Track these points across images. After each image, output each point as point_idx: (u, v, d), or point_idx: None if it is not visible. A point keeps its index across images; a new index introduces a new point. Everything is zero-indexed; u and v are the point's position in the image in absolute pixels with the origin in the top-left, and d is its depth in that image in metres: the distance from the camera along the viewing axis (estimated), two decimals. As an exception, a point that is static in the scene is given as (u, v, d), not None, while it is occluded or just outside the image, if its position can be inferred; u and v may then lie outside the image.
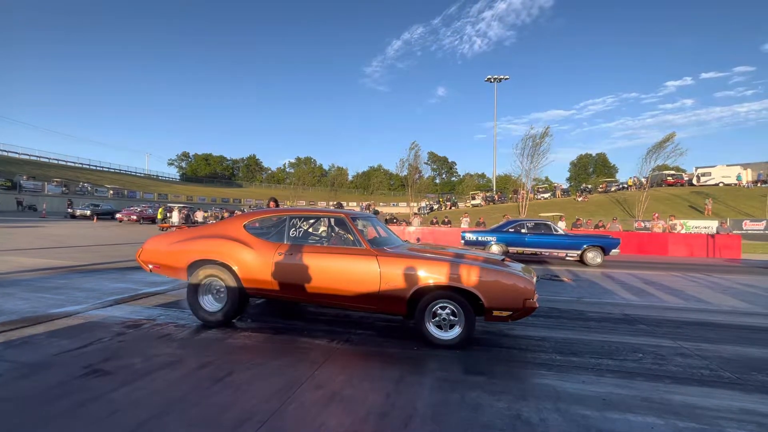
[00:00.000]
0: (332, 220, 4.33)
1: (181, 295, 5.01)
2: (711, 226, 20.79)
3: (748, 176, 39.23)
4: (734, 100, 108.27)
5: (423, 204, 47.01)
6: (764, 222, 23.03)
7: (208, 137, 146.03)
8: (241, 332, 3.71)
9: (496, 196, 46.52)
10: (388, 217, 25.12)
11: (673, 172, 43.01)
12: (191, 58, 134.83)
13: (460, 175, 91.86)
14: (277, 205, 7.09)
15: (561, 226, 19.61)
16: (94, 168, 58.73)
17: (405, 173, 41.11)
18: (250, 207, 50.77)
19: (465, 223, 21.08)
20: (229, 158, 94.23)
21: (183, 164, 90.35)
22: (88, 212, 27.28)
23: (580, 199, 39.54)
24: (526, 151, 32.75)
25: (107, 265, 7.48)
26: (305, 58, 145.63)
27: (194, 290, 3.95)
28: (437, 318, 3.47)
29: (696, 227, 20.68)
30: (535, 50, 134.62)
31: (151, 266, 4.27)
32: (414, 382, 2.70)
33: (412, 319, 3.57)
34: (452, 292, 3.41)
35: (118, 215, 26.50)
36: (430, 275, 3.41)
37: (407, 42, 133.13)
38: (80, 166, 56.77)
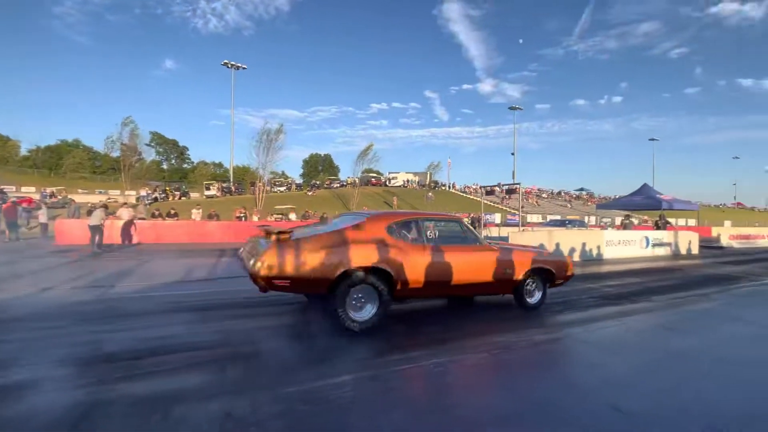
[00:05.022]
0: (450, 223, 4.87)
1: None
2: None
3: (416, 181, 55.91)
4: (410, 126, 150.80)
5: (143, 193, 39.17)
6: (424, 213, 33.73)
7: None
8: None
9: (233, 187, 44.87)
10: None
11: (375, 174, 55.24)
12: None
13: (193, 162, 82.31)
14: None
15: (293, 217, 21.32)
16: None
17: (117, 154, 32.85)
18: None
19: (197, 215, 19.26)
20: None
21: None
22: None
23: (310, 194, 44.13)
24: (262, 144, 33.43)
25: None
26: None
27: (343, 296, 3.71)
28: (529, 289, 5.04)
29: (388, 218, 27.58)
30: (273, 48, 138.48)
31: (279, 282, 3.56)
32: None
33: (510, 294, 5.00)
34: (536, 272, 4.97)
35: None
36: (530, 264, 4.88)
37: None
38: None
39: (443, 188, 57.15)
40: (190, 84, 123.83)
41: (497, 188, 29.05)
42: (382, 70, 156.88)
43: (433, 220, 4.68)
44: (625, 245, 13.29)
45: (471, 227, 4.99)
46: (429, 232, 4.50)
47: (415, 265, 4.05)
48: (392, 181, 54.95)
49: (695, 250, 14.92)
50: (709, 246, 17.65)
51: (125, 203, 18.74)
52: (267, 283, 3.55)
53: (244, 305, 4.91)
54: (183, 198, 41.04)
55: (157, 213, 18.93)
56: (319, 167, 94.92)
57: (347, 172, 71.78)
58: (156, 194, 40.70)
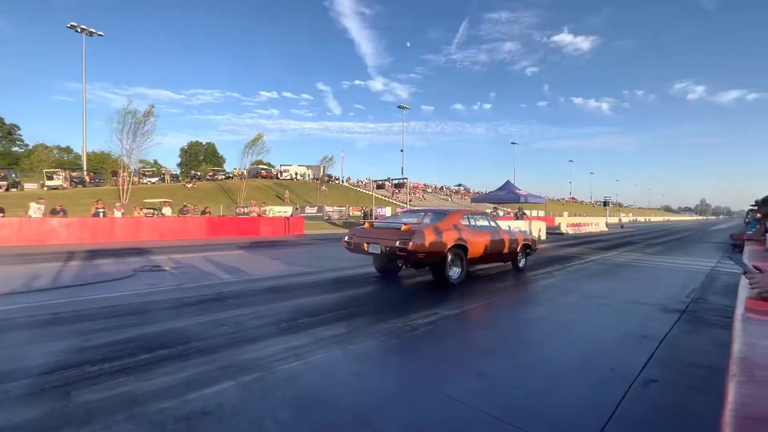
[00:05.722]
0: (482, 214, 7.60)
1: None
2: (288, 210, 27.25)
3: (310, 174, 54.75)
4: (302, 118, 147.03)
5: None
6: (316, 207, 33.15)
7: None
8: None
9: (87, 177, 37.31)
10: None
11: (265, 166, 52.27)
12: None
13: (28, 146, 65.25)
14: None
15: (167, 212, 18.81)
16: None
17: None
18: None
19: (36, 210, 15.52)
20: None
21: None
22: None
23: (189, 186, 39.47)
24: (127, 127, 28.56)
25: None
26: None
27: (447, 263, 6.09)
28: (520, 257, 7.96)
29: (279, 211, 26.38)
30: (139, 17, 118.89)
31: (420, 255, 5.68)
32: None
33: (509, 262, 7.92)
34: (526, 247, 7.98)
35: None
36: (523, 241, 7.81)
37: None
38: None
39: (336, 182, 57.30)
40: (22, 48, 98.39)
41: (387, 183, 30.44)
42: (272, 56, 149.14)
43: (476, 214, 7.35)
44: (494, 234, 15.37)
45: (495, 219, 8.05)
46: (476, 221, 7.06)
47: (476, 243, 6.62)
48: (284, 174, 52.79)
49: (544, 236, 18.07)
50: (553, 233, 21.56)
51: None
52: (413, 256, 5.61)
53: (92, 317, 4.15)
54: (13, 189, 32.48)
55: (-32, 208, 14.58)
56: (201, 157, 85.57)
57: (234, 163, 66.30)
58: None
